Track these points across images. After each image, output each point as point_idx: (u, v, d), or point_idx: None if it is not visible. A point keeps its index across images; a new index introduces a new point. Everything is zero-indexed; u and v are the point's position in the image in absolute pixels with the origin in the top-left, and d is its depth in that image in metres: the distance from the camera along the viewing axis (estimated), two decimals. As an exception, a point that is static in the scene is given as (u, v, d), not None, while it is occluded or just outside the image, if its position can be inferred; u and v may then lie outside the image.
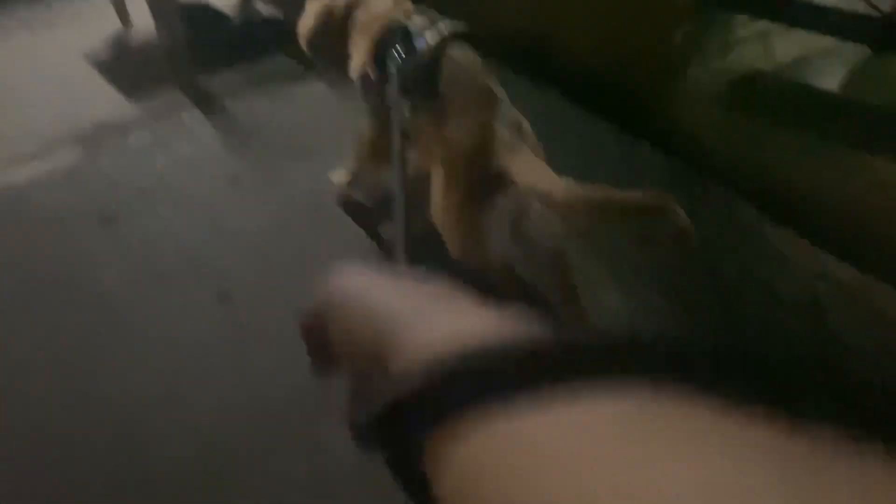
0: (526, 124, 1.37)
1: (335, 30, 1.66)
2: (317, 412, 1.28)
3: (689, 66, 2.16)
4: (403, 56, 1.38)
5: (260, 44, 2.75)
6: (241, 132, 2.34)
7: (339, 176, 1.97)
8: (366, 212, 1.92)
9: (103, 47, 2.89)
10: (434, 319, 0.29)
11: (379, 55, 1.47)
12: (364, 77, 1.55)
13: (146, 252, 1.84)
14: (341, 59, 1.68)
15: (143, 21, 3.06)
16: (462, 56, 1.42)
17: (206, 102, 2.48)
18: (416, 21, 1.48)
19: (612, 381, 0.22)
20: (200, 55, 2.72)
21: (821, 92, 2.05)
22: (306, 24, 1.74)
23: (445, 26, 1.45)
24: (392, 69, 1.36)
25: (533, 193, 1.26)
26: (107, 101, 2.52)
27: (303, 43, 1.77)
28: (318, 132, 2.31)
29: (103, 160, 2.19)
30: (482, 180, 1.32)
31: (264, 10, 3.17)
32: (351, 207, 1.94)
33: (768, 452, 0.18)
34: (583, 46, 2.32)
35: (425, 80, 1.38)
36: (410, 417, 0.25)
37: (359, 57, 1.57)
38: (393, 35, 1.46)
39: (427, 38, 1.41)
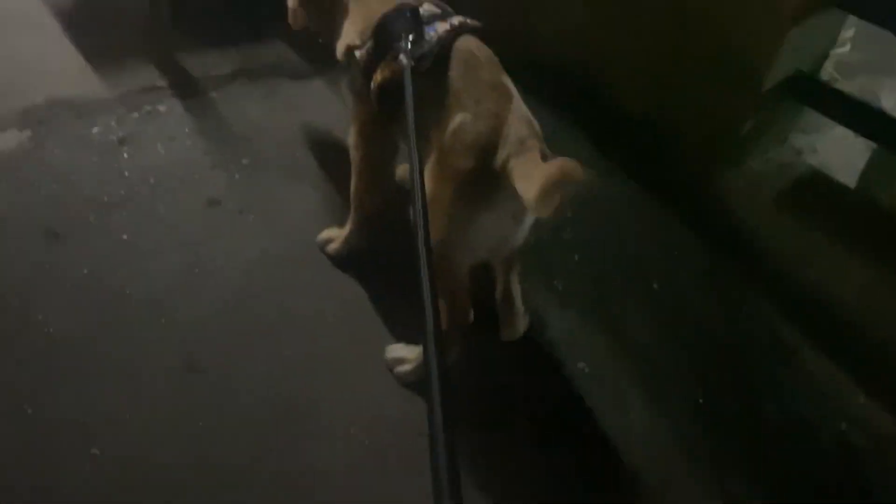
0: (537, 125, 1.29)
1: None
2: None
3: (749, 157, 1.93)
4: (413, 44, 1.32)
5: (257, 22, 2.37)
6: (226, 137, 1.97)
7: (329, 234, 1.69)
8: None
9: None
10: None
11: (382, 36, 1.39)
12: (350, 56, 1.46)
13: (98, 288, 1.50)
14: (328, 28, 1.59)
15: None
16: (476, 48, 1.36)
17: (187, 91, 2.09)
18: (426, 8, 1.41)
19: None
20: (185, 25, 2.34)
21: (887, 211, 1.86)
22: None
23: (457, 18, 1.39)
24: (403, 54, 1.29)
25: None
26: (68, 68, 2.09)
27: (291, 4, 1.66)
28: (315, 145, 1.99)
29: (55, 152, 1.80)
30: (481, 174, 1.24)
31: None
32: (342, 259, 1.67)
33: None
34: (642, 101, 2.06)
35: (432, 68, 1.31)
36: None
37: (352, 34, 1.47)
38: (403, 19, 1.38)
39: (437, 27, 1.35)
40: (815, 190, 1.92)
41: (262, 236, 1.71)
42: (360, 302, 1.59)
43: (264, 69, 2.25)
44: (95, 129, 1.90)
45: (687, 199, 1.95)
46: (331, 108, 2.12)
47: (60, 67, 2.10)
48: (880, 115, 1.78)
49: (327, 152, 1.98)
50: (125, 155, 1.84)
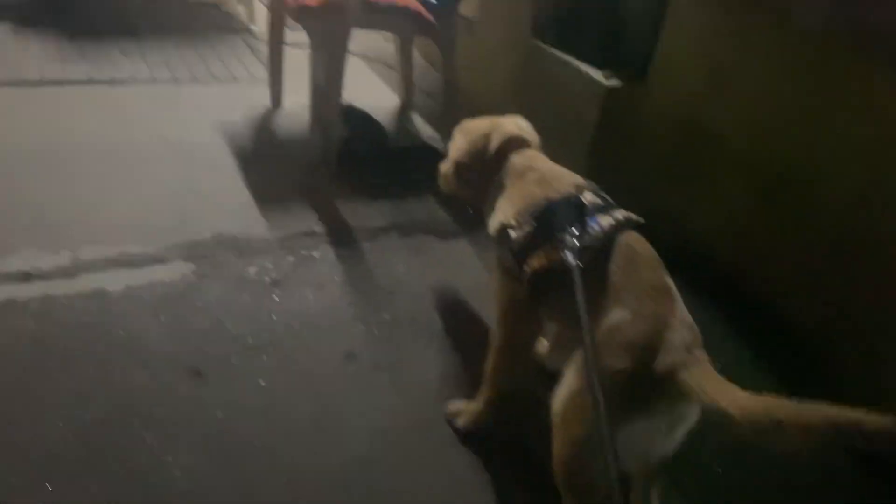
0: (698, 332, 1.22)
1: (484, 168, 1.61)
2: None
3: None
4: (578, 236, 1.30)
5: (413, 180, 2.46)
6: (371, 290, 2.00)
7: (459, 407, 1.63)
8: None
9: (247, 134, 2.67)
10: None
11: (544, 223, 1.37)
12: (504, 235, 1.44)
13: (227, 434, 1.49)
14: (478, 199, 1.64)
15: (294, 108, 2.90)
16: (639, 244, 1.32)
17: (341, 239, 2.16)
18: (589, 198, 1.39)
19: None
20: (348, 176, 2.47)
21: None
22: (454, 151, 1.70)
23: (621, 212, 1.37)
24: (569, 246, 1.28)
25: (711, 408, 1.09)
26: (237, 206, 2.24)
27: (444, 170, 1.72)
28: (455, 308, 1.97)
29: (213, 288, 1.87)
30: (636, 376, 1.17)
31: (424, 129, 2.94)
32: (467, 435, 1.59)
33: None
34: (805, 312, 1.93)
35: (592, 261, 1.27)
36: None
37: (509, 213, 1.46)
38: (567, 210, 1.37)
39: (601, 220, 1.32)
40: None
41: (392, 397, 1.67)
42: (475, 483, 1.49)
43: (415, 225, 2.31)
44: (252, 269, 1.97)
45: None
46: (474, 270, 2.12)
47: (230, 204, 2.24)
48: None
49: (466, 317, 1.96)
50: (275, 298, 1.89)
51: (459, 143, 1.68)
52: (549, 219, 1.38)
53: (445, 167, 1.72)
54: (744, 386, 1.10)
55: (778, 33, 1.92)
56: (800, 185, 1.92)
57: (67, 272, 1.83)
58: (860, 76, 1.73)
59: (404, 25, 2.47)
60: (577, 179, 1.48)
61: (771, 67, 1.97)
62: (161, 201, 2.19)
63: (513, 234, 1.42)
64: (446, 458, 1.54)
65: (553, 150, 2.60)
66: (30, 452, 1.38)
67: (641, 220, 1.36)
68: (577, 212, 1.35)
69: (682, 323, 1.21)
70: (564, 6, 2.67)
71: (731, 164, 2.13)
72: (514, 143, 1.61)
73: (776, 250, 2.02)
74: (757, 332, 2.04)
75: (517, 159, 1.57)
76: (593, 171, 2.44)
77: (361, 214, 2.31)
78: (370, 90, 3.24)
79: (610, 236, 1.30)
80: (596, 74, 2.44)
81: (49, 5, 3.23)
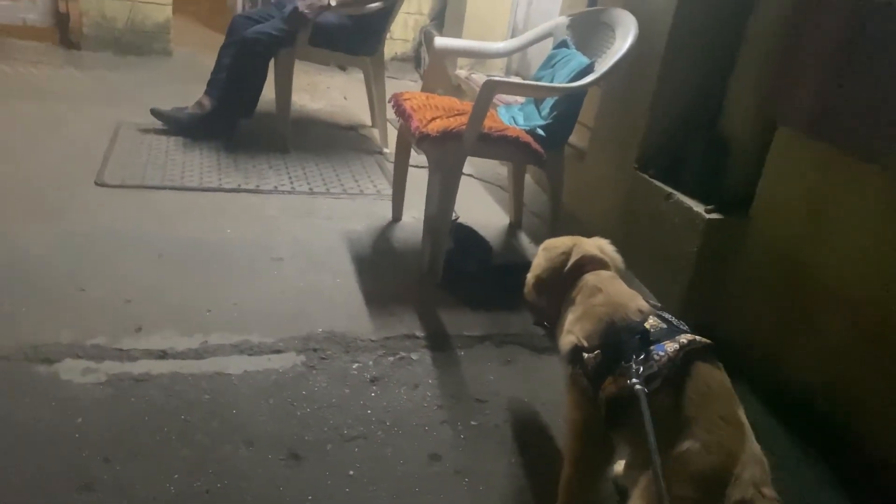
0: (768, 468, 1.26)
1: (559, 284, 1.70)
2: None
3: None
4: (641, 364, 1.34)
5: (511, 293, 2.59)
6: (462, 395, 2.11)
7: None
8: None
9: (367, 243, 2.94)
10: None
11: (609, 349, 1.43)
12: (576, 355, 1.50)
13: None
14: (553, 318, 1.71)
15: (411, 222, 3.15)
16: (713, 374, 1.35)
17: (438, 345, 2.31)
18: (653, 323, 1.43)
19: None
20: (451, 286, 2.65)
21: None
22: (535, 266, 1.81)
23: (686, 336, 1.39)
24: (635, 380, 1.31)
25: None
26: (349, 307, 2.45)
27: (526, 288, 1.82)
28: (539, 420, 2.04)
29: (318, 379, 2.05)
30: None
31: (530, 248, 3.10)
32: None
33: None
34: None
35: (662, 388, 1.32)
36: None
37: (579, 332, 1.53)
38: (629, 333, 1.42)
39: (667, 347, 1.36)
40: None
41: (470, 502, 1.73)
42: None
43: (509, 337, 2.42)
44: (355, 365, 2.14)
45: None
46: (561, 385, 2.18)
47: (343, 305, 2.46)
48: None
49: (550, 430, 2.02)
50: (373, 394, 2.04)
51: (540, 259, 1.80)
52: (614, 347, 1.43)
53: (528, 280, 1.83)
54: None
55: (881, 174, 1.95)
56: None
57: (197, 354, 2.07)
58: None
59: (514, 155, 2.68)
60: (642, 303, 1.53)
61: (875, 209, 1.99)
62: (284, 297, 2.44)
63: (585, 355, 1.49)
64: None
65: (654, 280, 2.71)
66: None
67: (708, 341, 1.39)
68: (640, 338, 1.40)
69: (752, 458, 1.24)
70: (670, 141, 2.82)
71: (832, 304, 2.12)
72: (591, 263, 1.69)
73: (873, 392, 1.96)
74: (844, 464, 1.96)
75: (591, 279, 1.64)
76: (693, 304, 2.50)
77: (460, 323, 2.46)
78: (483, 209, 3.47)
79: (675, 361, 1.33)
80: (697, 207, 2.53)
81: (212, 127, 3.75)
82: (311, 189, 3.36)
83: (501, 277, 2.69)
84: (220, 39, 3.93)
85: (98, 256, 2.51)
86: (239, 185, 3.26)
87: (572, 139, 3.15)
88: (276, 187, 3.32)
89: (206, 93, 3.78)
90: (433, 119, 2.49)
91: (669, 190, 2.66)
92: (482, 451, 1.91)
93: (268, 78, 3.78)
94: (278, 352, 2.14)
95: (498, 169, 3.94)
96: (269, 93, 3.82)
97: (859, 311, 2.02)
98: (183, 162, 3.43)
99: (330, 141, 4.14)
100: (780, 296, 2.31)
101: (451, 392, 2.12)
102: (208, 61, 3.95)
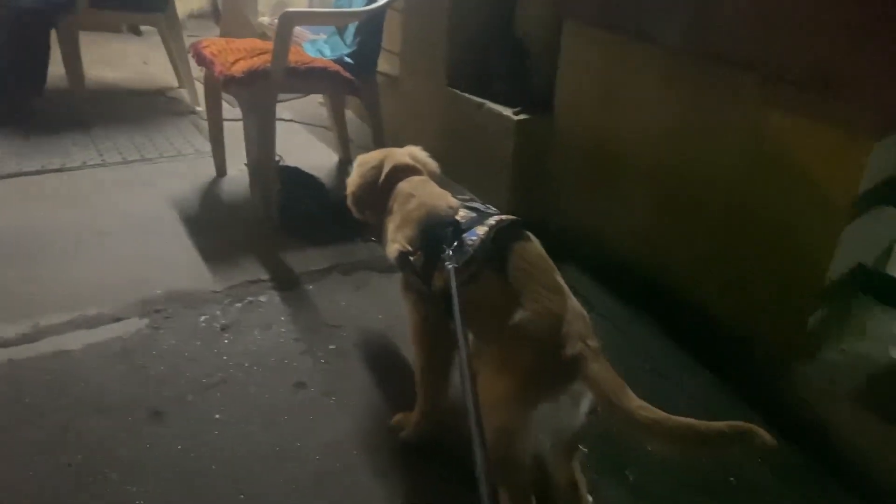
0: (589, 321, 1.39)
1: (375, 197, 1.75)
2: None
3: (821, 349, 1.92)
4: (455, 252, 1.42)
5: (353, 225, 2.65)
6: (317, 325, 2.16)
7: (401, 420, 1.77)
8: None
9: (195, 202, 2.86)
10: None
11: (428, 247, 1.50)
12: (404, 260, 1.56)
13: (187, 464, 1.62)
14: (381, 231, 1.75)
15: (237, 174, 3.10)
16: (529, 250, 1.45)
17: (286, 284, 2.34)
18: (463, 214, 1.53)
19: None
20: (290, 228, 2.66)
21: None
22: (351, 182, 1.84)
23: (494, 217, 1.49)
24: (448, 266, 1.38)
25: (608, 404, 1.26)
26: (187, 265, 2.40)
27: (348, 197, 1.85)
28: (397, 334, 2.13)
29: (166, 339, 2.02)
30: (542, 367, 1.32)
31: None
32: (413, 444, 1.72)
33: None
34: (709, 297, 2.14)
35: (486, 268, 1.41)
36: None
37: (401, 239, 1.59)
38: (442, 228, 1.49)
39: (478, 231, 1.45)
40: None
41: (343, 418, 1.81)
42: (425, 486, 1.63)
43: (357, 265, 2.49)
44: (202, 318, 2.13)
45: (762, 393, 1.94)
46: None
47: (180, 264, 2.41)
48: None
49: (404, 340, 2.11)
50: (225, 341, 2.04)
51: (354, 176, 1.83)
52: (431, 243, 1.50)
53: (347, 198, 1.86)
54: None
55: (658, 53, 2.17)
56: (693, 191, 2.15)
57: (29, 338, 1.97)
58: (731, 94, 1.97)
59: (327, 87, 2.70)
60: (452, 200, 1.62)
61: (657, 85, 2.21)
62: (115, 269, 2.34)
63: (412, 258, 1.55)
64: (399, 466, 1.68)
65: (482, 187, 2.85)
66: (2, 499, 1.50)
67: (515, 217, 1.50)
68: (453, 229, 1.47)
69: (574, 315, 1.37)
70: (475, 54, 2.94)
71: (635, 178, 2.36)
72: (404, 172, 1.74)
73: (676, 248, 2.24)
74: (666, 315, 2.24)
75: (404, 187, 1.70)
76: (520, 203, 2.68)
77: (305, 260, 2.49)
78: (312, 151, 3.46)
79: (487, 242, 1.43)
80: (506, 111, 2.68)
81: (9, 110, 3.43)
82: (124, 159, 3.19)
83: (339, 212, 2.72)
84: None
85: None
86: (42, 167, 3.03)
87: (384, 67, 3.20)
88: (84, 162, 3.12)
89: (-14, 76, 3.44)
90: (236, 61, 2.44)
91: (480, 100, 2.80)
92: (344, 371, 1.98)
93: (54, 50, 3.50)
94: (119, 319, 2.08)
95: (319, 110, 3.92)
96: (59, 69, 3.55)
97: (658, 180, 2.26)
98: (-27, 152, 3.13)
99: (137, 109, 3.92)
100: (592, 181, 2.54)
101: (305, 325, 2.16)
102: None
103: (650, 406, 1.23)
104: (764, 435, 1.11)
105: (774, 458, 1.76)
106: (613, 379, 1.28)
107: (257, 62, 2.41)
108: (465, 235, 1.46)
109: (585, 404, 1.35)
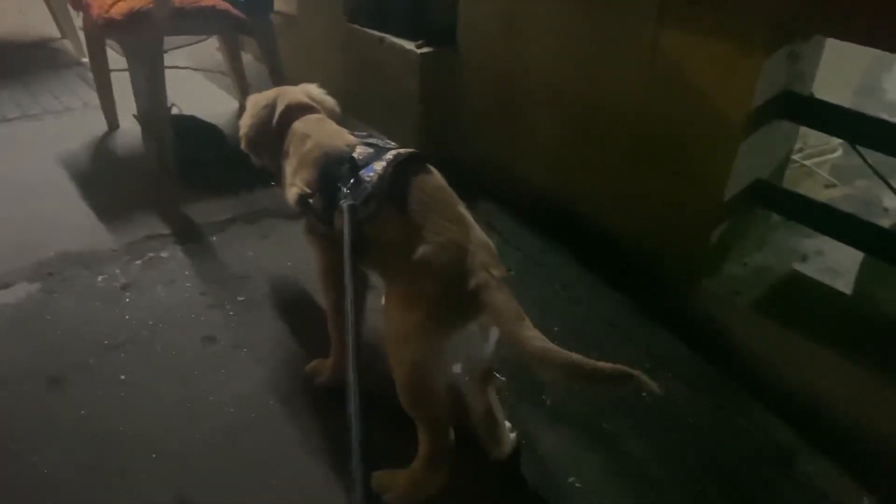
0: (494, 249, 1.37)
1: (270, 138, 1.67)
2: None
3: (724, 263, 1.98)
4: (352, 190, 1.39)
5: (254, 172, 2.55)
6: (223, 277, 2.08)
7: (316, 366, 1.73)
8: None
9: (86, 159, 2.69)
10: None
11: (326, 188, 1.46)
12: (304, 203, 1.51)
13: (93, 428, 1.55)
14: (276, 167, 1.69)
15: (130, 127, 2.93)
16: (430, 183, 1.42)
17: (188, 237, 2.24)
18: (360, 150, 1.47)
19: None
20: (188, 178, 2.54)
21: (877, 312, 1.86)
22: (243, 124, 1.75)
23: (392, 151, 1.44)
24: (343, 205, 1.35)
25: (505, 333, 1.26)
26: (80, 225, 2.27)
27: (241, 141, 1.77)
28: (307, 281, 2.08)
29: (62, 302, 1.91)
30: (449, 299, 1.30)
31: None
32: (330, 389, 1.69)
33: None
34: (617, 220, 2.17)
35: (387, 204, 1.37)
36: None
37: (300, 182, 1.53)
38: (338, 166, 1.44)
39: (375, 167, 1.41)
40: (799, 294, 1.94)
41: (255, 370, 1.76)
42: (341, 427, 1.60)
43: (261, 213, 2.41)
44: (100, 278, 2.02)
45: (671, 309, 1.99)
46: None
47: (73, 225, 2.27)
48: (848, 217, 1.82)
49: (314, 285, 2.07)
50: (127, 300, 1.95)
51: (245, 117, 1.74)
52: (329, 183, 1.45)
53: (242, 126, 1.76)
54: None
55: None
56: (599, 116, 2.15)
57: None
58: (629, 14, 1.96)
59: (214, 26, 2.55)
60: (349, 137, 1.56)
61: (556, 13, 2.18)
62: (0, 234, 2.19)
63: (311, 201, 1.50)
64: (317, 412, 1.65)
65: (388, 125, 2.78)
66: None
67: (413, 150, 1.46)
68: (350, 166, 1.43)
69: (478, 245, 1.34)
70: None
71: (541, 107, 2.34)
72: (298, 111, 1.66)
73: (585, 175, 2.25)
74: (579, 242, 2.28)
75: (299, 126, 1.62)
76: (428, 138, 2.63)
77: (207, 212, 2.39)
78: (210, 99, 3.30)
79: (385, 177, 1.38)
80: (409, 45, 2.60)
81: None
82: (4, 116, 2.97)
83: (239, 159, 2.61)
84: None
85: None
86: None
87: (281, 6, 3.05)
88: (-44, 123, 2.88)
89: None
90: (116, 2, 2.26)
91: (381, 35, 2.70)
92: (254, 323, 1.92)
93: None
94: (6, 286, 1.95)
95: (218, 56, 3.72)
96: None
97: (564, 109, 2.25)
98: None
99: (16, 62, 3.63)
100: (499, 112, 2.51)
101: (211, 278, 2.08)
102: None
103: (543, 337, 1.22)
104: (647, 381, 1.11)
105: (684, 370, 1.83)
106: (513, 308, 1.27)
107: (139, 3, 2.24)
108: (362, 172, 1.41)
109: (495, 333, 1.36)
